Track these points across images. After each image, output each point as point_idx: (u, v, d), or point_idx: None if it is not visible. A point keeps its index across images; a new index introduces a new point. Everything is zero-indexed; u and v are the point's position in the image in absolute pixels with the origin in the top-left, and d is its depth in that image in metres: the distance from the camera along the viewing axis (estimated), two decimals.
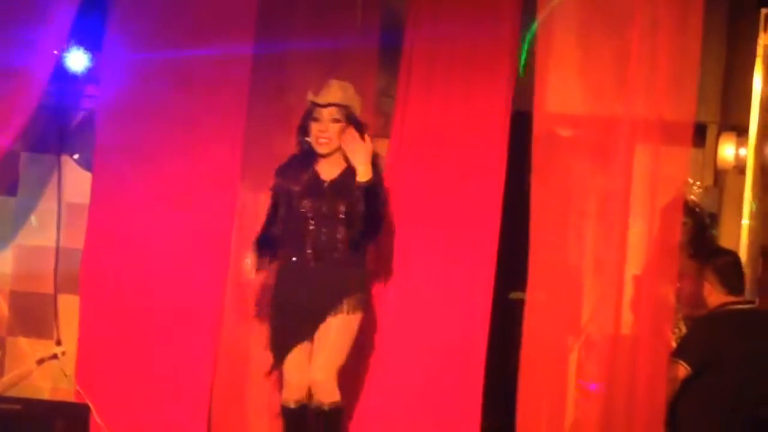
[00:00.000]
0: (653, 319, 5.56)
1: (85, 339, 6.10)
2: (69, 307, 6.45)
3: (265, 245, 5.56)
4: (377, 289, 5.92)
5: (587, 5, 5.58)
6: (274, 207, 5.59)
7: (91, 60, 6.41)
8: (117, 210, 6.09)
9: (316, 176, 5.53)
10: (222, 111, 6.00)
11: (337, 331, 5.42)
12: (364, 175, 5.41)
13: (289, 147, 6.15)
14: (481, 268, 5.93)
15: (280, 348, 5.50)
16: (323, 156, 5.53)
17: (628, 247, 5.66)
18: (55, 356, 6.58)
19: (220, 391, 6.06)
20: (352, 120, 5.49)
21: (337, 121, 5.47)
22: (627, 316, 5.76)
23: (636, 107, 5.48)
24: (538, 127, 5.54)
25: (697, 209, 6.32)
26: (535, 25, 5.65)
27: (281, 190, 5.55)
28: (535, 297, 5.71)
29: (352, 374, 5.74)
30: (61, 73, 6.34)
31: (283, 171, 5.59)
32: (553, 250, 5.65)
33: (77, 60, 6.42)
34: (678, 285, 6.18)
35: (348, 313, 5.43)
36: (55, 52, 6.08)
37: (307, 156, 5.56)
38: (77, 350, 6.16)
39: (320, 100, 5.48)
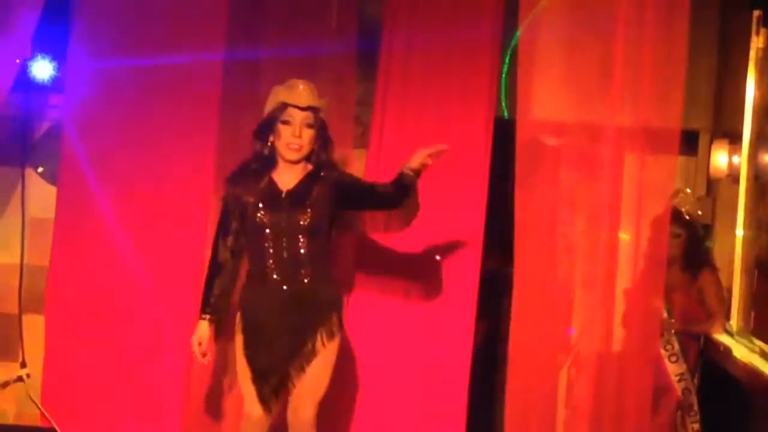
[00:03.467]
0: (640, 334, 5.61)
1: (52, 361, 6.14)
2: (34, 327, 6.47)
3: (215, 296, 5.28)
4: (356, 301, 5.98)
5: (571, 10, 5.61)
6: (224, 225, 5.29)
7: (56, 69, 6.44)
8: (84, 225, 6.13)
9: (272, 186, 5.24)
10: (193, 121, 6.03)
11: (316, 367, 5.18)
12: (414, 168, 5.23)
13: None
14: (465, 282, 6.00)
15: (249, 382, 5.23)
16: (292, 162, 5.26)
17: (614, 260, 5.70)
18: (20, 379, 6.61)
19: (193, 414, 6.10)
20: (322, 126, 5.27)
21: (310, 126, 5.23)
22: (616, 332, 5.80)
23: (621, 114, 5.51)
24: (521, 135, 5.58)
25: (691, 220, 6.35)
26: (518, 34, 5.70)
27: (234, 201, 5.25)
28: (521, 312, 5.75)
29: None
30: (24, 82, 6.37)
31: (234, 179, 5.29)
32: (539, 263, 5.69)
33: (41, 69, 6.45)
34: (671, 299, 6.27)
35: (325, 343, 5.19)
36: (18, 60, 6.12)
37: (264, 162, 5.28)
38: (43, 372, 6.20)
39: (298, 101, 5.21)
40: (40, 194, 6.65)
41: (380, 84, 6.08)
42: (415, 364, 6.02)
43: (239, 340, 5.25)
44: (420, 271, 6.05)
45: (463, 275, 5.99)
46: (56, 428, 6.04)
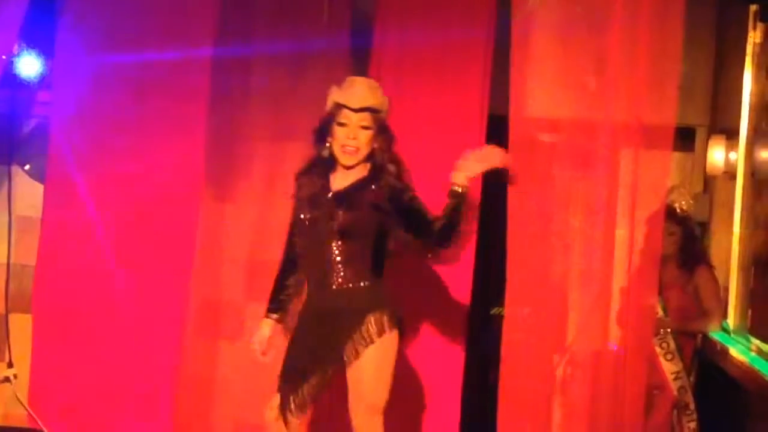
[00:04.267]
0: (635, 332, 5.59)
1: (39, 361, 6.11)
2: (21, 327, 6.47)
3: (281, 293, 5.11)
4: None
5: (564, 5, 5.58)
6: (292, 230, 5.09)
7: (43, 65, 6.43)
8: (71, 223, 6.11)
9: (325, 187, 4.99)
10: (182, 117, 6.01)
11: (370, 363, 4.86)
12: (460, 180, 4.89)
13: (253, 154, 6.22)
14: (458, 282, 5.98)
15: (283, 398, 4.98)
16: (348, 167, 4.98)
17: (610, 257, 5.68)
18: (6, 379, 6.59)
19: (182, 415, 6.08)
20: (381, 127, 4.99)
21: (367, 128, 4.95)
22: (612, 330, 5.78)
23: (616, 110, 5.49)
24: (514, 132, 5.56)
25: (686, 217, 6.34)
26: None
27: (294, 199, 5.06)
28: (514, 312, 5.72)
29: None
30: (10, 78, 6.36)
31: (299, 178, 5.08)
32: (532, 262, 5.66)
33: (28, 65, 6.44)
34: (666, 297, 6.26)
35: (377, 335, 4.87)
36: (4, 56, 6.07)
37: (324, 164, 5.01)
38: (30, 373, 6.17)
39: (352, 102, 4.93)
40: (27, 192, 6.65)
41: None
42: (406, 366, 5.99)
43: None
44: (411, 269, 6.02)
45: (455, 273, 5.96)
46: (43, 429, 6.01)
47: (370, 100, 4.94)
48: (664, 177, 5.61)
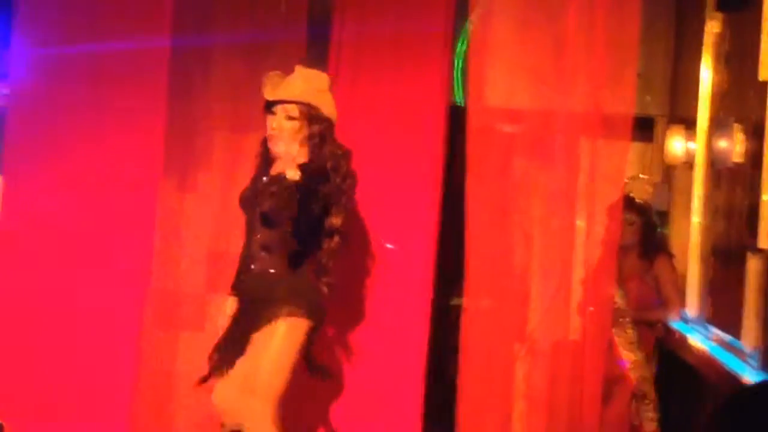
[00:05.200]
0: (593, 322, 5.60)
1: None
2: None
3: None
4: None
5: None
6: None
7: (0, 55, 6.37)
8: (30, 215, 6.04)
9: (263, 173, 5.29)
10: (140, 108, 5.95)
11: (271, 349, 5.05)
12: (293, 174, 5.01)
13: (213, 144, 6.19)
14: (419, 272, 5.96)
15: (213, 366, 5.24)
16: (276, 154, 5.22)
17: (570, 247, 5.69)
18: None
19: (141, 406, 6.05)
20: (312, 118, 5.16)
21: (291, 118, 5.16)
22: (572, 320, 5.79)
23: (574, 99, 5.50)
24: (472, 121, 5.55)
25: (645, 207, 6.35)
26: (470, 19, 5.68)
27: None
28: (474, 302, 5.73)
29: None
30: None
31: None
32: (491, 253, 5.66)
33: None
34: (626, 287, 6.27)
35: (284, 323, 5.04)
36: None
37: (267, 154, 5.29)
38: None
39: (267, 95, 5.18)
40: None
41: (331, 69, 6.02)
42: (367, 358, 5.98)
43: None
44: (374, 259, 6.01)
45: (417, 263, 5.95)
46: (2, 424, 5.96)
47: (288, 92, 5.12)
48: (622, 166, 5.63)
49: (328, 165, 5.14)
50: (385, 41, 5.97)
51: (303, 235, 5.10)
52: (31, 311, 6.02)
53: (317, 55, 6.21)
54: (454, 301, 6.45)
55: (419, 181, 5.95)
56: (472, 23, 5.62)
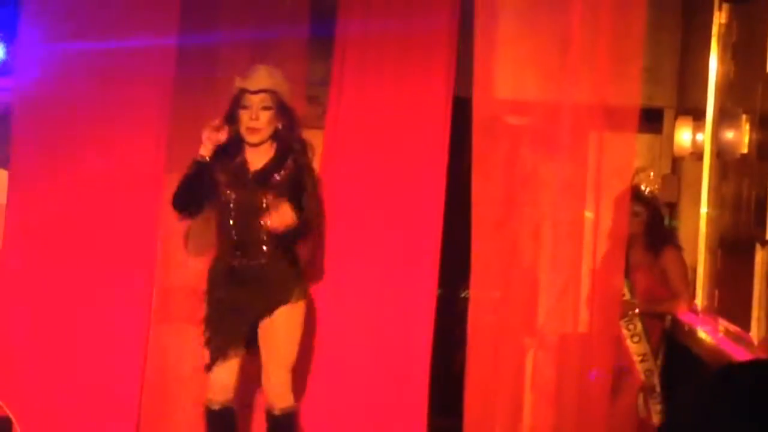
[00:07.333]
0: (602, 315, 5.58)
1: (4, 347, 6.05)
2: None
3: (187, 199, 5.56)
4: (315, 288, 5.94)
5: None
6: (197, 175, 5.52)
7: (6, 51, 6.36)
8: (36, 210, 6.03)
9: (243, 165, 5.53)
10: (146, 104, 5.95)
11: (283, 325, 5.49)
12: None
13: None
14: (425, 264, 5.94)
15: (215, 350, 5.54)
16: (253, 145, 5.52)
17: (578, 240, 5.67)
18: None
19: (149, 398, 6.05)
20: (282, 107, 5.49)
21: (267, 108, 5.48)
22: (581, 313, 5.77)
23: (580, 92, 5.47)
24: (478, 114, 5.53)
25: (652, 198, 6.32)
26: None
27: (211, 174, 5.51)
28: (480, 295, 5.72)
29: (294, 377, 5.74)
30: None
31: (213, 157, 5.52)
32: (497, 245, 5.65)
33: None
34: (633, 279, 6.24)
35: (291, 302, 5.48)
36: None
37: (236, 144, 5.54)
38: None
39: (250, 86, 5.47)
40: None
41: (336, 64, 6.00)
42: (373, 349, 5.97)
43: (207, 310, 5.57)
44: (379, 252, 6.00)
45: (422, 256, 5.93)
46: (11, 417, 5.96)
47: (268, 82, 5.46)
48: (629, 158, 5.62)
49: (296, 155, 5.50)
50: (389, 38, 5.94)
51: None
52: (37, 304, 6.02)
53: (320, 52, 6.21)
54: (464, 294, 6.43)
55: (423, 177, 5.92)
56: (477, 16, 5.57)
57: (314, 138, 6.10)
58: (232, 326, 5.52)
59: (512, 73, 5.63)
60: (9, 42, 6.31)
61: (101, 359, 5.94)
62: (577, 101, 5.49)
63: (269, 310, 5.48)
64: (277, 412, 5.53)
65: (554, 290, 5.75)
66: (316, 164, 5.94)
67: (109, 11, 5.99)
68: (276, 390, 5.53)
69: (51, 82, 6.05)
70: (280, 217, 5.34)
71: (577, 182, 5.62)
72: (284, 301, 5.48)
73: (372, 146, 5.90)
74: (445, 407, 6.01)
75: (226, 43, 6.10)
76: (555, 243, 5.72)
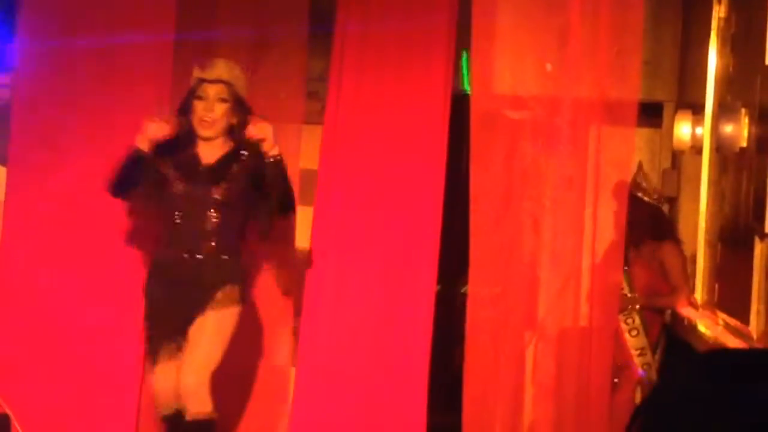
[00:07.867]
0: (601, 309, 5.57)
1: (2, 344, 6.05)
2: None
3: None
4: (313, 284, 5.93)
5: None
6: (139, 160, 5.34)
7: (4, 47, 6.36)
8: (35, 207, 6.02)
9: (194, 159, 5.37)
10: (144, 102, 5.90)
11: (210, 328, 5.26)
12: (273, 149, 5.24)
13: None
14: (424, 260, 5.92)
15: (152, 351, 5.41)
16: (206, 139, 5.36)
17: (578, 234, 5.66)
18: None
19: (149, 395, 6.03)
20: (238, 101, 5.33)
21: (224, 101, 5.32)
22: (581, 307, 5.76)
23: (579, 86, 5.46)
24: (476, 109, 5.52)
25: (651, 192, 6.31)
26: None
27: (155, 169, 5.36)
28: (478, 290, 5.70)
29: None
30: None
31: (160, 150, 5.35)
32: (496, 241, 5.64)
33: None
34: (633, 273, 6.23)
35: (222, 307, 5.26)
36: None
37: (187, 136, 5.38)
38: None
39: (208, 75, 5.32)
40: None
41: (335, 60, 5.98)
42: (372, 345, 5.96)
43: (145, 308, 5.45)
44: (378, 246, 5.99)
45: (421, 252, 5.92)
46: (9, 413, 5.96)
47: (226, 73, 5.31)
48: (629, 153, 5.61)
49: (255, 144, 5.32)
50: (388, 34, 5.91)
51: (246, 220, 5.35)
52: (36, 300, 6.01)
53: (319, 50, 6.20)
54: (463, 290, 6.42)
55: (422, 172, 5.91)
56: (475, 10, 5.55)
57: (313, 133, 6.12)
58: (168, 324, 5.34)
59: (510, 67, 5.61)
60: (7, 38, 6.30)
61: (101, 355, 5.93)
62: (577, 95, 5.48)
63: (202, 309, 5.26)
64: (188, 418, 5.21)
65: (554, 285, 5.73)
66: (315, 160, 5.96)
67: (107, 7, 5.99)
68: (190, 390, 5.20)
69: (49, 78, 6.04)
70: (259, 129, 5.23)
71: (576, 177, 5.60)
72: (219, 302, 5.27)
73: (371, 141, 5.88)
74: (444, 403, 6.00)
75: (225, 38, 6.08)
76: (554, 237, 5.70)
